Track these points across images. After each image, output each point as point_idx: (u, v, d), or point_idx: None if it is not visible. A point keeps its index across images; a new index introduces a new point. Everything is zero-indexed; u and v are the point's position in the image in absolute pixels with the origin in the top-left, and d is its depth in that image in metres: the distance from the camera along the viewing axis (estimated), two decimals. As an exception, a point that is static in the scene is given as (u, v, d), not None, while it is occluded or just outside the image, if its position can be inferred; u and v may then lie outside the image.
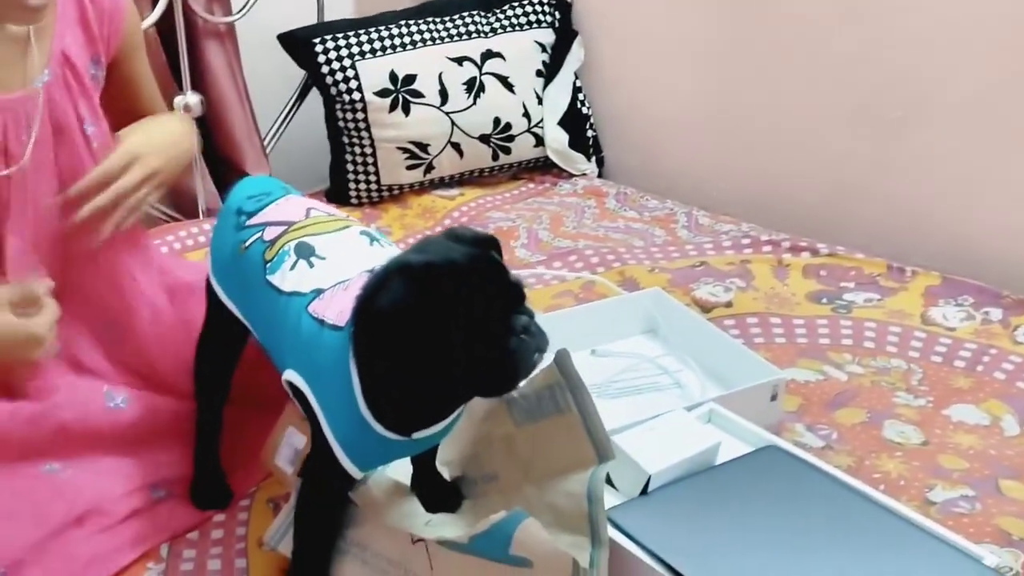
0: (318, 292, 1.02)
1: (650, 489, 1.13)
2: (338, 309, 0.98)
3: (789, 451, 1.20)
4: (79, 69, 1.20)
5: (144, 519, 1.17)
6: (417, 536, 1.04)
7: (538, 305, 1.72)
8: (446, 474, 1.24)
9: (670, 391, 1.48)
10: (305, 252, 1.05)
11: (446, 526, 1.17)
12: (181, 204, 2.06)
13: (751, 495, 1.12)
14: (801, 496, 1.12)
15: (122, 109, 1.30)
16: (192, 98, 1.93)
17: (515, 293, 0.92)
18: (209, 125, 2.01)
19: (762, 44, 2.08)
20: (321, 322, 0.99)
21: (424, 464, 1.16)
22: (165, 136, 1.26)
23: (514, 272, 0.94)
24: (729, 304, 1.72)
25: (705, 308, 1.71)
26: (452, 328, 0.87)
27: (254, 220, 1.12)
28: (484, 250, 0.93)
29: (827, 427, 1.39)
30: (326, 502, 1.06)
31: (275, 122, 2.17)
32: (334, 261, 1.04)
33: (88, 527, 1.13)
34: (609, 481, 1.17)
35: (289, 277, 1.04)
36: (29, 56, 1.14)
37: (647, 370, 1.53)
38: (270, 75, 2.14)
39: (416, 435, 0.99)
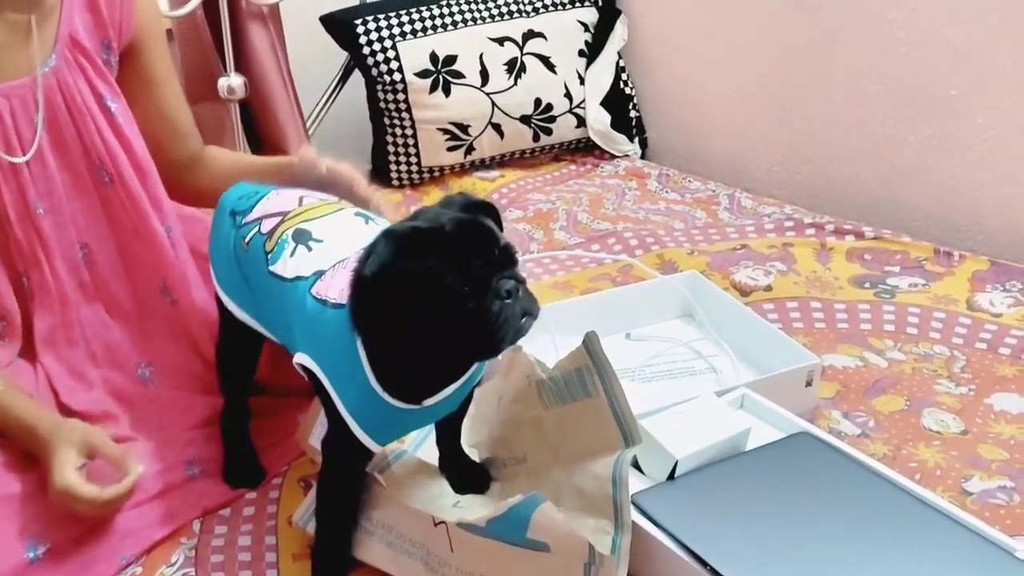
0: (319, 274, 1.03)
1: (677, 474, 1.12)
2: (339, 287, 1.00)
3: (821, 438, 1.18)
4: (89, 51, 1.20)
5: (177, 495, 1.19)
6: (439, 518, 1.05)
7: (574, 288, 1.72)
8: (475, 456, 1.25)
9: (704, 376, 1.47)
10: (303, 237, 1.07)
11: (474, 507, 1.17)
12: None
13: (780, 483, 1.11)
14: (832, 484, 1.10)
15: (145, 111, 1.29)
16: (236, 80, 1.95)
17: (501, 257, 0.92)
18: (252, 107, 2.02)
19: (812, 21, 2.03)
20: (324, 302, 1.00)
21: (449, 445, 1.17)
22: None
23: (505, 237, 0.94)
24: (769, 288, 1.69)
25: (744, 292, 1.69)
26: (435, 290, 0.89)
27: (249, 217, 1.13)
28: (473, 215, 0.93)
29: (864, 414, 1.37)
30: (346, 477, 1.07)
31: (317, 104, 2.18)
32: (332, 243, 1.06)
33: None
34: (636, 465, 1.16)
35: (290, 264, 1.05)
36: (32, 42, 1.15)
37: (682, 354, 1.52)
38: (314, 57, 2.15)
39: (426, 402, 0.99)
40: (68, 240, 1.23)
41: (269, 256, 1.08)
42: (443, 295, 0.89)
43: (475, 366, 1.02)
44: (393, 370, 0.97)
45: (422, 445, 1.25)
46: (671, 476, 1.12)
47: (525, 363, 1.20)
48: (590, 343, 1.08)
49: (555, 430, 1.14)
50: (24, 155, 1.16)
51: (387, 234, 0.91)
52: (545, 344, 1.47)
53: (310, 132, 2.13)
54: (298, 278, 1.04)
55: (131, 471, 1.08)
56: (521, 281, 0.92)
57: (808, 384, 1.36)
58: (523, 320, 0.92)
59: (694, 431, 1.16)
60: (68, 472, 1.03)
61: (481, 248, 0.91)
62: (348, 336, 0.97)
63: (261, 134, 2.06)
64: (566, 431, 1.12)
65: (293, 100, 2.04)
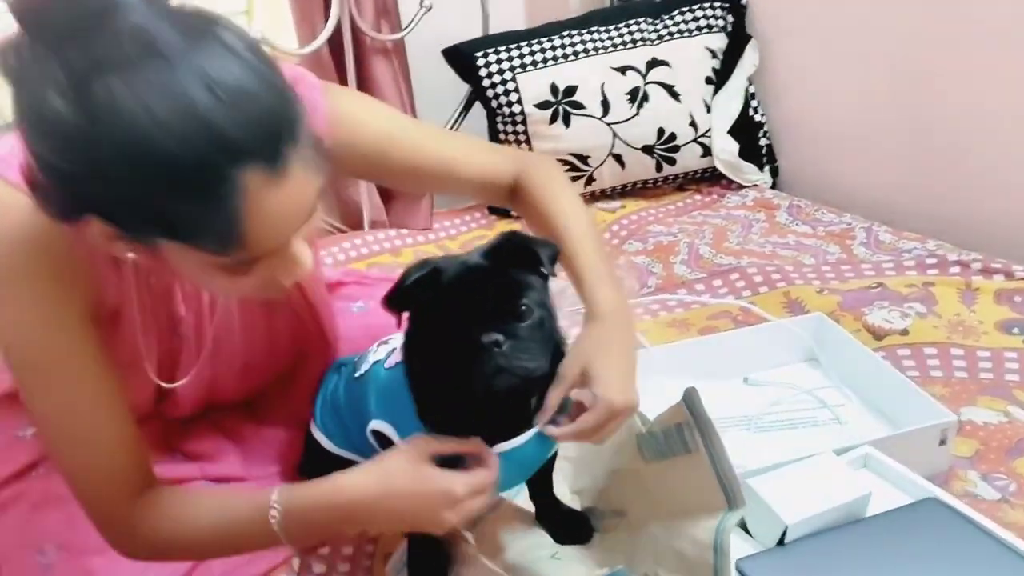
0: (392, 351, 1.07)
1: (787, 540, 1.04)
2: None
3: (951, 506, 1.07)
4: None
5: None
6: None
7: (691, 326, 1.65)
8: (577, 504, 1.21)
9: (827, 427, 1.37)
10: (383, 342, 1.13)
11: (572, 561, 1.13)
12: (346, 216, 2.12)
13: (902, 555, 1.02)
14: (959, 559, 1.00)
15: (436, 186, 1.28)
16: (358, 114, 1.98)
17: (493, 308, 0.91)
18: (375, 139, 2.05)
19: (957, 43, 1.90)
20: (390, 368, 1.04)
21: (542, 495, 1.15)
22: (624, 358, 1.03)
23: (523, 288, 0.94)
24: (905, 332, 1.57)
25: (878, 335, 1.57)
26: (420, 333, 0.95)
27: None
28: (486, 261, 0.95)
29: (1005, 477, 1.24)
30: (430, 537, 1.05)
31: (439, 136, 2.19)
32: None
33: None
34: (744, 526, 1.09)
35: (370, 358, 1.11)
36: None
37: (804, 403, 1.42)
38: (437, 89, 2.17)
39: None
40: (234, 367, 1.21)
41: (356, 369, 1.13)
42: (428, 331, 0.94)
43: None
44: (431, 411, 0.98)
45: (522, 492, 1.22)
46: (781, 542, 1.05)
47: (625, 412, 1.15)
48: (690, 399, 1.03)
49: (655, 485, 1.10)
50: (211, 320, 1.12)
51: (406, 270, 0.94)
52: (654, 387, 1.42)
53: (431, 163, 2.14)
54: (375, 363, 1.09)
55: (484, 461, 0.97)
56: (512, 335, 0.91)
57: (942, 443, 1.24)
58: (496, 376, 0.91)
59: (809, 494, 1.08)
60: (452, 475, 0.93)
61: (468, 297, 0.92)
62: (405, 387, 1.00)
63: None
64: (665, 487, 1.08)
65: (415, 132, 2.05)
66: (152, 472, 0.99)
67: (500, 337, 0.91)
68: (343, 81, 1.97)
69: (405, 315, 0.97)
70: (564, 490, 1.26)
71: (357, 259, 1.98)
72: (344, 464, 1.14)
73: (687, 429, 1.04)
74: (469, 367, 0.91)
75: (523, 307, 0.93)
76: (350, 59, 1.95)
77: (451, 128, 2.21)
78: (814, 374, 1.48)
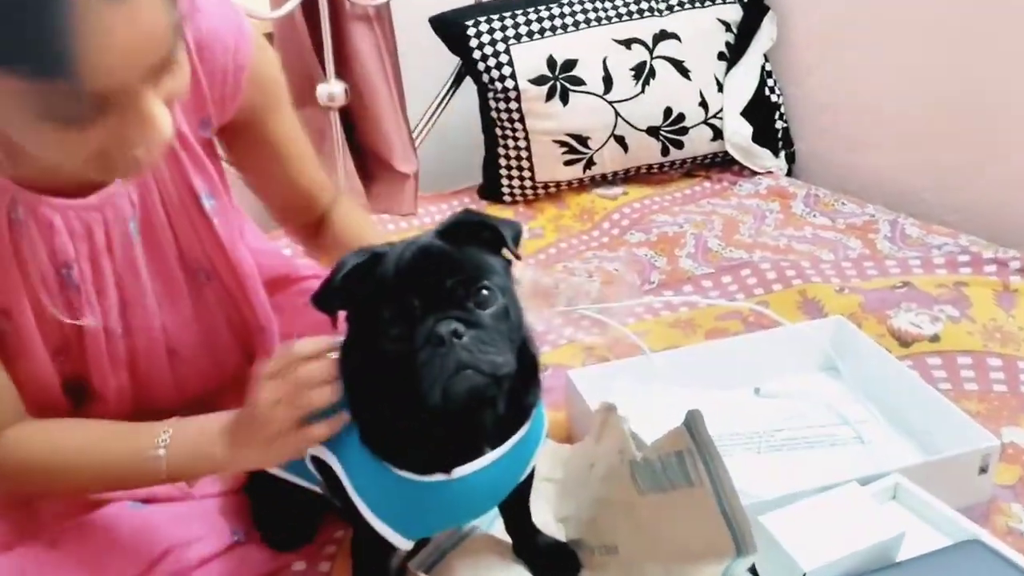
0: None
1: (805, 589, 0.89)
2: None
3: (996, 550, 0.92)
4: (187, 138, 1.02)
5: (218, 565, 1.05)
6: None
7: (698, 328, 1.49)
8: (562, 534, 1.07)
9: (848, 448, 1.21)
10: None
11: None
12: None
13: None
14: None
15: (265, 181, 1.15)
16: (336, 86, 1.82)
17: (450, 294, 0.78)
18: (355, 115, 1.89)
19: (1001, 19, 1.72)
20: None
21: (519, 524, 1.02)
22: None
23: (478, 269, 0.80)
24: (936, 338, 1.40)
25: (904, 342, 1.41)
26: (364, 323, 0.80)
27: None
28: (440, 241, 0.81)
29: (1056, 513, 1.08)
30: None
31: (426, 113, 2.02)
32: None
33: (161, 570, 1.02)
34: (754, 572, 0.93)
35: None
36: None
37: (822, 418, 1.26)
38: (424, 62, 2.00)
39: (429, 477, 0.84)
40: (157, 352, 1.09)
41: None
42: (369, 329, 0.79)
43: (530, 436, 0.87)
44: (371, 424, 0.84)
45: (497, 520, 1.07)
46: (797, 591, 0.89)
47: (617, 432, 1.01)
48: (692, 423, 0.88)
49: (651, 520, 0.96)
50: (113, 269, 1.01)
51: (342, 259, 0.81)
52: (655, 395, 1.26)
53: (417, 143, 1.98)
54: None
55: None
56: (474, 324, 0.77)
57: (983, 471, 1.09)
58: (456, 375, 0.76)
59: (831, 534, 0.94)
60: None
61: (427, 281, 0.78)
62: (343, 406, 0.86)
63: (363, 144, 1.93)
64: (664, 523, 0.94)
65: (399, 108, 1.89)
66: (22, 411, 0.96)
67: (460, 327, 0.76)
68: (319, 51, 1.80)
69: (342, 315, 0.82)
70: (547, 517, 1.11)
71: (333, 246, 1.81)
72: (292, 490, 1.00)
73: (689, 458, 0.89)
74: (423, 365, 0.76)
75: (484, 292, 0.79)
76: (326, 26, 1.78)
77: (439, 106, 2.04)
78: (833, 385, 1.32)
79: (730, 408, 1.28)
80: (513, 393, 0.85)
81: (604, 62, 1.92)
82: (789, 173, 2.09)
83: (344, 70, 1.84)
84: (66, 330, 0.99)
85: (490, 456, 0.86)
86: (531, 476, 0.98)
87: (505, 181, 1.96)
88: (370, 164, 1.95)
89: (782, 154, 2.07)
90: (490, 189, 1.99)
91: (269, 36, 1.85)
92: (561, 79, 1.90)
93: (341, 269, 0.80)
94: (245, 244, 1.12)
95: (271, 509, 1.09)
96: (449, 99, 2.04)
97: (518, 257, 0.84)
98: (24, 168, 0.90)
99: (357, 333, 0.85)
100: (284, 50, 1.82)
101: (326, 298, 0.81)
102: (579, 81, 1.90)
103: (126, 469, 0.93)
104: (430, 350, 0.76)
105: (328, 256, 1.15)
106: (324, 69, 1.82)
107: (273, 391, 0.84)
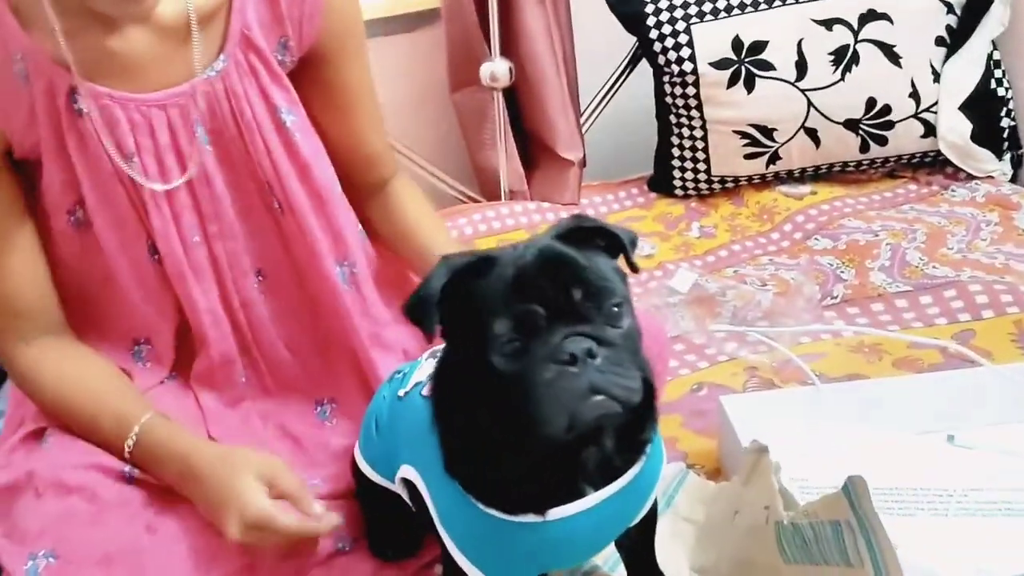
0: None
1: None
2: None
3: None
4: (265, 52, 0.99)
5: (319, 573, 0.98)
6: None
7: (886, 355, 1.29)
8: (697, 585, 0.93)
9: (1064, 523, 0.98)
10: (435, 353, 0.90)
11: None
12: (483, 184, 1.86)
13: None
14: None
15: (326, 130, 1.07)
16: (500, 65, 1.72)
17: (578, 306, 0.67)
18: (520, 96, 1.78)
19: None
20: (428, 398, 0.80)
21: (639, 567, 0.91)
22: None
23: (606, 279, 0.70)
24: None
25: None
26: (473, 336, 0.69)
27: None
28: (560, 244, 0.71)
29: None
30: None
31: (595, 97, 1.88)
32: None
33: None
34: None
35: (413, 376, 0.89)
36: (192, 42, 0.95)
37: (1030, 481, 1.04)
38: (600, 42, 1.85)
39: (522, 517, 0.74)
40: (242, 268, 1.05)
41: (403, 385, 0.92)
42: (475, 343, 0.68)
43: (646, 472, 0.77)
44: (465, 461, 0.75)
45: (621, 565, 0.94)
46: None
47: (766, 482, 0.85)
48: (855, 492, 0.72)
49: None
50: (184, 175, 0.98)
51: (443, 259, 0.72)
52: (821, 433, 1.09)
53: (584, 128, 1.85)
54: (416, 385, 0.86)
55: (323, 518, 0.91)
56: (606, 343, 0.67)
57: None
58: (588, 400, 0.65)
59: None
60: (263, 499, 0.88)
61: (551, 290, 0.67)
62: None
63: (527, 127, 1.82)
64: None
65: (566, 91, 1.77)
66: (62, 323, 1.00)
67: (593, 345, 0.65)
68: (485, 29, 1.70)
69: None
70: (681, 563, 0.98)
71: (487, 234, 1.72)
72: (392, 498, 0.91)
73: (848, 532, 0.73)
74: (546, 385, 0.65)
75: (616, 307, 0.68)
76: (493, 1, 1.68)
77: (610, 89, 1.89)
78: (1050, 441, 1.09)
79: (916, 457, 1.09)
80: (625, 427, 0.73)
81: (799, 45, 1.71)
82: (1013, 179, 1.81)
83: (511, 49, 1.74)
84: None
85: (592, 498, 0.74)
86: (654, 517, 0.87)
87: (677, 173, 1.80)
88: (532, 149, 1.84)
89: (1006, 157, 1.80)
90: (661, 181, 1.84)
91: (435, 12, 1.78)
92: (747, 63, 1.71)
93: (439, 275, 0.70)
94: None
95: (377, 517, 1.02)
96: (623, 82, 1.89)
97: (635, 270, 0.74)
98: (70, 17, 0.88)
99: (456, 348, 0.74)
100: (450, 26, 1.75)
101: (420, 309, 0.70)
102: (767, 65, 1.71)
103: (103, 439, 0.96)
104: (556, 369, 0.65)
105: (379, 238, 1.13)
106: (489, 47, 1.72)
107: (244, 537, 0.87)
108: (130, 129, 0.94)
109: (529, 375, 0.66)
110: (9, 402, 1.10)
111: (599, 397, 0.66)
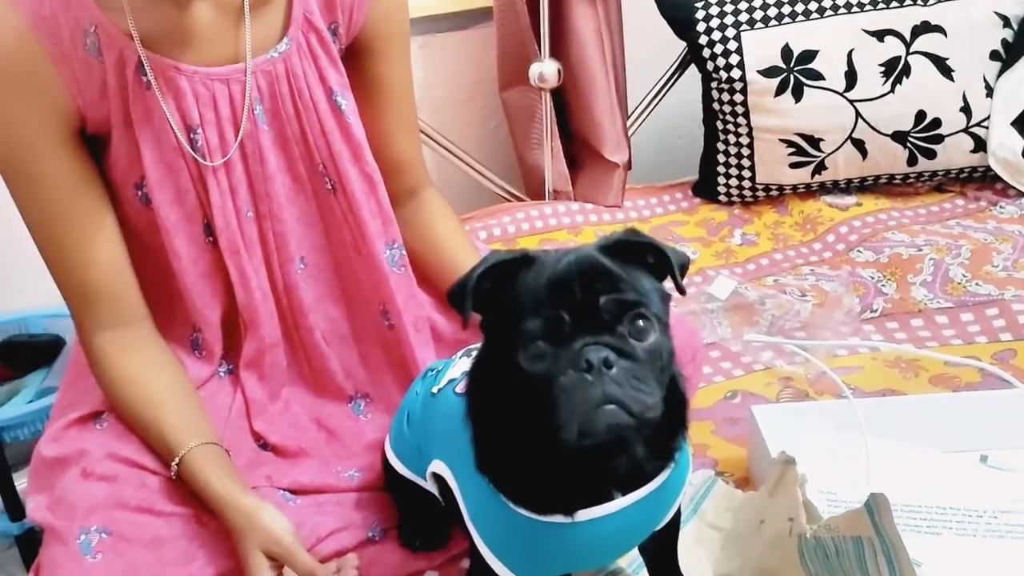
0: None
1: None
2: None
3: None
4: (323, 33, 1.01)
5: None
6: None
7: (923, 372, 1.28)
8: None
9: (1097, 550, 0.98)
10: (470, 351, 0.91)
11: None
12: (528, 183, 1.88)
13: None
14: None
15: (364, 122, 1.08)
16: (548, 67, 1.73)
17: (605, 317, 0.68)
18: (568, 97, 1.79)
19: None
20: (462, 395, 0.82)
21: (661, 571, 0.92)
22: None
23: (634, 291, 0.71)
24: None
25: None
26: (493, 333, 0.73)
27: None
28: (601, 255, 0.72)
29: None
30: None
31: (643, 100, 1.89)
32: None
33: None
34: None
35: (448, 373, 0.90)
36: (245, 23, 0.97)
37: (1064, 506, 1.03)
38: (650, 45, 1.86)
39: (550, 517, 0.76)
40: (288, 252, 1.07)
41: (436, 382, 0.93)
42: (507, 341, 0.70)
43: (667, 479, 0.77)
44: (495, 460, 0.77)
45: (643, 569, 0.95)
46: None
47: (791, 492, 0.86)
48: (876, 509, 0.72)
49: None
50: (239, 147, 1.00)
51: (492, 252, 0.76)
52: (852, 447, 1.09)
53: (632, 131, 1.86)
54: (450, 381, 0.88)
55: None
56: (627, 355, 0.68)
57: None
58: (599, 409, 0.66)
59: None
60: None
61: (580, 297, 0.68)
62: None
63: (574, 128, 1.83)
64: None
65: (614, 94, 1.77)
66: (141, 311, 1.01)
67: (611, 355, 0.67)
68: (536, 29, 1.71)
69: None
70: (705, 569, 0.99)
71: (529, 233, 1.73)
72: (421, 492, 0.93)
73: (869, 549, 0.74)
74: (563, 391, 0.67)
75: (641, 321, 0.69)
76: (545, 2, 1.69)
77: (658, 93, 1.89)
78: (1087, 466, 1.08)
79: (947, 475, 1.08)
80: (655, 436, 0.74)
81: (849, 55, 1.70)
82: (1065, 197, 1.77)
83: (561, 50, 1.75)
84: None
85: (620, 502, 0.76)
86: (677, 523, 0.88)
87: (722, 179, 1.80)
88: (578, 150, 1.85)
89: (1059, 175, 1.76)
90: (705, 186, 1.83)
91: (488, 11, 1.79)
92: (796, 71, 1.70)
93: (482, 265, 0.72)
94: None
95: (407, 509, 1.04)
96: (671, 87, 1.89)
97: (682, 292, 0.74)
98: None
99: (491, 344, 0.76)
100: (502, 26, 1.76)
101: (459, 294, 0.73)
102: (817, 75, 1.70)
103: (150, 447, 0.98)
104: (575, 375, 0.67)
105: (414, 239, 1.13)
106: (540, 47, 1.73)
107: None
108: (195, 101, 0.96)
109: (550, 378, 0.67)
110: (61, 383, 1.13)
111: (610, 407, 0.67)
